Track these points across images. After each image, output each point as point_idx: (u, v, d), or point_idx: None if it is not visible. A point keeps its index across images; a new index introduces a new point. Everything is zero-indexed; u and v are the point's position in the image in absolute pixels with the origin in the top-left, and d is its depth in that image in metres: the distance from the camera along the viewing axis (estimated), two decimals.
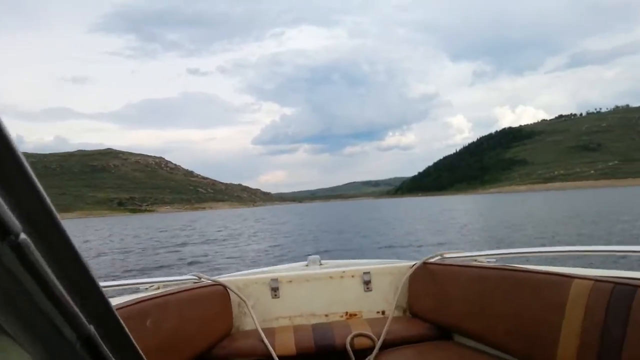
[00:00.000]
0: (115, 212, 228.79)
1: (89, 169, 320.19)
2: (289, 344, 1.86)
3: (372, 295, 2.11)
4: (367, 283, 2.10)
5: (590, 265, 3.50)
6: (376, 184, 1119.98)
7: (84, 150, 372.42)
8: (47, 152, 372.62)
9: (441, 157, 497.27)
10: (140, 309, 1.55)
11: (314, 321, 2.09)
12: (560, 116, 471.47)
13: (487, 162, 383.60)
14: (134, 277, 6.08)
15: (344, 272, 2.09)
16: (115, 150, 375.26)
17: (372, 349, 1.82)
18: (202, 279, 1.95)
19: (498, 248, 5.38)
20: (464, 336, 1.85)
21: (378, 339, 1.82)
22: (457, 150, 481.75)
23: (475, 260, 1.93)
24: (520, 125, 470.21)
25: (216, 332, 1.92)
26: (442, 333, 1.93)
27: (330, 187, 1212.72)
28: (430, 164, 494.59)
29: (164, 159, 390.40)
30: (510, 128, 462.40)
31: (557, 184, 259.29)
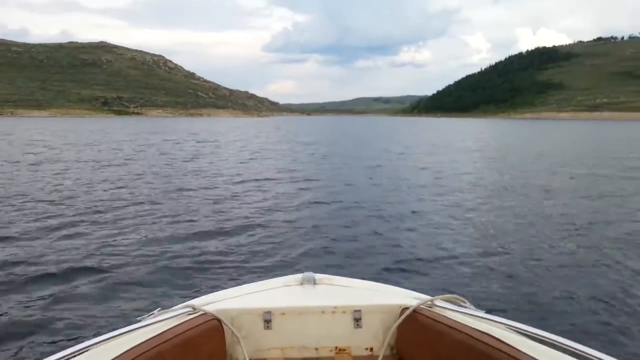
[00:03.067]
0: (97, 112, 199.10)
1: (79, 63, 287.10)
2: None
3: (361, 332, 2.17)
4: (357, 320, 2.16)
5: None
6: (387, 100, 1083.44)
7: (76, 42, 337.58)
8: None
9: (463, 76, 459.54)
10: None
11: (304, 354, 2.16)
12: (600, 39, 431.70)
13: (517, 84, 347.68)
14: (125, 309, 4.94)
15: (335, 307, 2.16)
16: (110, 44, 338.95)
17: None
18: (197, 310, 2.02)
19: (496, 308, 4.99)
20: None
21: None
22: (482, 68, 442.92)
23: (467, 315, 1.94)
24: (555, 46, 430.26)
25: None
26: None
27: (339, 101, 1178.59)
28: (445, 83, 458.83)
29: (163, 57, 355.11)
30: (544, 48, 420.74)
31: (606, 114, 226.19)
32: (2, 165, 17.44)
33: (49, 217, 9.03)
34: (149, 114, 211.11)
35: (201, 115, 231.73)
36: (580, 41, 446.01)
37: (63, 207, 10.10)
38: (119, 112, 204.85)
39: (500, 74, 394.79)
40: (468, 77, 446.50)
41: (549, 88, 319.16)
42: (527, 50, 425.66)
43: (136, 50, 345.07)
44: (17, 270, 6.00)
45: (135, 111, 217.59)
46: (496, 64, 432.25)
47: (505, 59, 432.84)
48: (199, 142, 34.95)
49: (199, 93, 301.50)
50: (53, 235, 7.77)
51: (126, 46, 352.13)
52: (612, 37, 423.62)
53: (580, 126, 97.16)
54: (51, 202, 10.57)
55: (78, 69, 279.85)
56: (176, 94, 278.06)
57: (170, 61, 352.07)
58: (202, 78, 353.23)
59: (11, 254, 6.62)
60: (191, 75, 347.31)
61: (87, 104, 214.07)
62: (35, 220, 8.78)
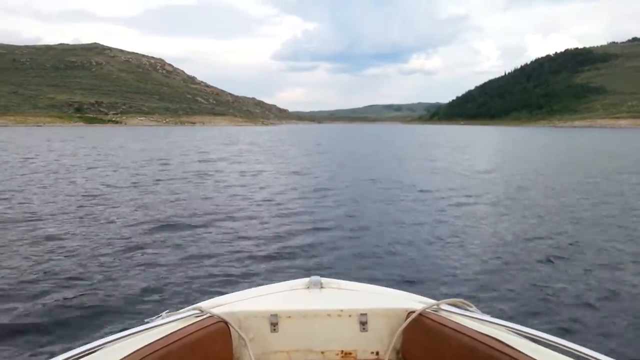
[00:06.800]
0: (64, 120, 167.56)
1: (63, 66, 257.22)
2: None
3: (367, 336, 2.17)
4: (363, 324, 2.16)
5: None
6: (398, 108, 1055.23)
7: (66, 44, 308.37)
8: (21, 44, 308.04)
9: (480, 82, 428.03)
10: None
11: (310, 357, 2.17)
12: (635, 39, 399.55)
13: (552, 88, 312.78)
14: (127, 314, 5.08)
15: (341, 311, 2.16)
16: (102, 46, 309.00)
17: None
18: (204, 312, 2.04)
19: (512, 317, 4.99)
20: None
21: None
22: (507, 72, 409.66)
23: (472, 319, 1.94)
24: (586, 47, 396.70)
25: None
26: None
27: (350, 109, 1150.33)
28: (456, 89, 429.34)
29: (162, 60, 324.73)
30: (576, 49, 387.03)
31: None
32: None
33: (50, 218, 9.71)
34: (129, 123, 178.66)
35: (194, 123, 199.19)
36: (614, 42, 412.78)
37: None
38: (91, 120, 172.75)
39: (530, 78, 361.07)
40: (492, 82, 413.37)
41: (590, 92, 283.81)
42: (556, 53, 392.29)
43: (132, 53, 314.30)
44: (29, 271, 6.24)
45: (114, 119, 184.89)
46: (523, 66, 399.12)
47: (533, 61, 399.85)
48: None
49: (199, 98, 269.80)
50: (59, 240, 8.03)
51: (122, 48, 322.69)
52: None
53: None
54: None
55: (62, 72, 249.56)
56: (170, 100, 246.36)
57: (169, 64, 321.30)
58: (204, 82, 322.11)
59: (20, 255, 7.01)
60: (191, 79, 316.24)
61: (57, 111, 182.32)
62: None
